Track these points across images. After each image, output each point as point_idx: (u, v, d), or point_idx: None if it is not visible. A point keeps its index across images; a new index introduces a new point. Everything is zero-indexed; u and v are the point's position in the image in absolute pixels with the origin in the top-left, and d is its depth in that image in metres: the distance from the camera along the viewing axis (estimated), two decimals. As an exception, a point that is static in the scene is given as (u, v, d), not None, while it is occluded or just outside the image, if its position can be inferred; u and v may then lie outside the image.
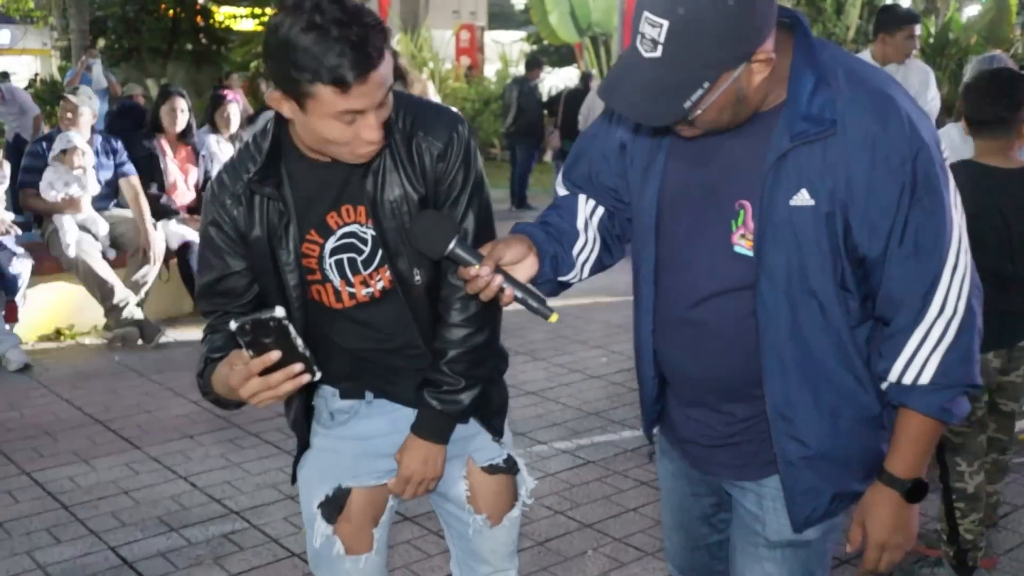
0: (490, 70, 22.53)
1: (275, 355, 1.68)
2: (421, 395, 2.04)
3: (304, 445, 2.20)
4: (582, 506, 3.94)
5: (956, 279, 1.69)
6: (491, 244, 1.83)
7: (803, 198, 1.66)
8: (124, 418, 4.92)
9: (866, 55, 5.56)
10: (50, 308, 6.30)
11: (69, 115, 6.19)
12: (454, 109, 2.08)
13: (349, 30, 1.67)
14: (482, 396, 2.09)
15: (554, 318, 1.80)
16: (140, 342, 6.11)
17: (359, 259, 2.00)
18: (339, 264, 2.00)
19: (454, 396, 2.03)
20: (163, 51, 19.96)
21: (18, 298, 5.82)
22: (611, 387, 5.39)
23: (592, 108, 10.48)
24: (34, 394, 5.31)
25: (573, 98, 11.96)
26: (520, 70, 15.92)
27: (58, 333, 6.34)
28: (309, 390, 2.15)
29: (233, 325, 1.65)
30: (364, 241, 1.99)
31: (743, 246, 1.73)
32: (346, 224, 1.99)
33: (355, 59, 1.68)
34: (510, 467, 2.22)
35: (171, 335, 6.29)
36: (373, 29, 1.71)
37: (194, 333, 6.32)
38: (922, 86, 5.59)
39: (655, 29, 1.52)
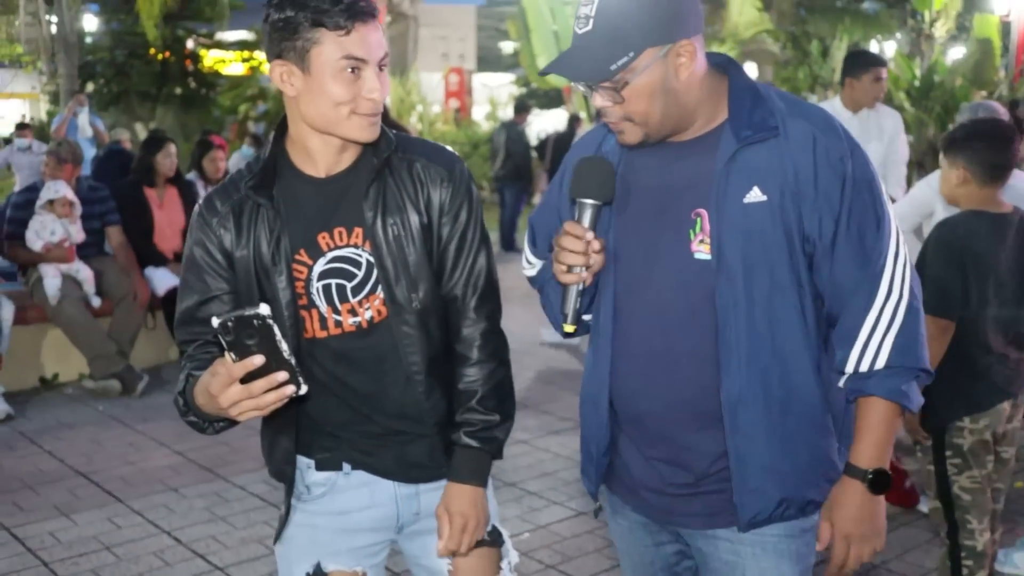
0: (479, 113, 22.66)
1: (258, 360, 1.58)
2: (457, 438, 1.99)
3: (291, 493, 2.08)
4: (574, 559, 3.87)
5: (899, 264, 1.80)
6: (591, 232, 1.85)
7: (756, 195, 1.76)
8: (107, 470, 4.84)
9: (835, 103, 5.55)
10: (34, 356, 6.23)
11: (53, 165, 6.15)
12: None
13: None
14: (510, 429, 2.05)
15: (570, 327, 1.86)
16: (121, 392, 6.03)
17: (349, 285, 1.94)
18: (327, 289, 1.94)
19: (491, 432, 2.00)
20: (152, 95, 19.98)
21: (1, 348, 5.75)
22: (602, 435, 5.32)
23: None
24: (16, 445, 5.22)
25: (562, 141, 12.04)
26: (509, 113, 15.99)
27: (42, 382, 6.26)
28: (296, 431, 2.03)
29: (216, 322, 1.57)
30: (357, 265, 1.94)
31: (703, 251, 1.80)
32: (337, 247, 1.94)
33: (350, 6, 1.77)
34: (495, 539, 2.12)
35: (156, 384, 6.22)
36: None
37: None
38: (895, 131, 5.56)
39: (587, 7, 1.73)
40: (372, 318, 1.96)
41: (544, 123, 20.96)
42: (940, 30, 20.69)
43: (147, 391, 6.07)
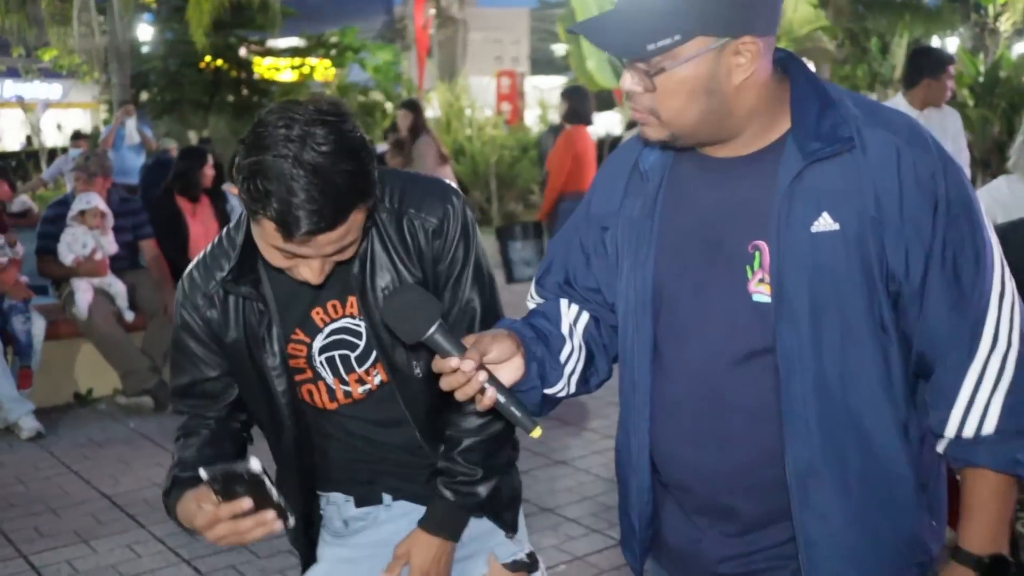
0: (531, 116, 22.44)
1: (247, 503, 1.54)
2: (434, 485, 1.82)
3: (307, 560, 1.96)
4: (612, 596, 3.62)
5: (1005, 306, 1.48)
6: (475, 336, 1.56)
7: (826, 223, 1.45)
8: (132, 492, 4.69)
9: (899, 101, 5.36)
10: (68, 372, 6.14)
11: (84, 178, 6.05)
12: (448, 181, 1.86)
13: (323, 181, 1.49)
14: (499, 486, 1.88)
15: (537, 432, 1.52)
16: (154, 408, 5.91)
17: (352, 356, 1.79)
18: (331, 361, 1.80)
19: (471, 488, 1.82)
20: (205, 104, 20.10)
21: (32, 364, 5.66)
22: (647, 455, 5.06)
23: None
24: (43, 465, 5.11)
25: (617, 145, 11.75)
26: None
27: (76, 398, 6.15)
28: (308, 500, 1.93)
29: (204, 475, 1.49)
30: (358, 335, 1.78)
31: (763, 292, 1.49)
32: (334, 320, 1.78)
33: (312, 219, 1.51)
34: (532, 564, 1.99)
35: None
36: (351, 183, 1.51)
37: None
38: (957, 130, 5.45)
39: None
40: (381, 382, 1.81)
41: (597, 126, 20.69)
42: (1005, 24, 20.04)
43: (180, 407, 5.94)
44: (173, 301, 6.34)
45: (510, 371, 1.57)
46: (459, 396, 1.52)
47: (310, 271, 1.62)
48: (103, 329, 5.85)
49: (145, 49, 21.39)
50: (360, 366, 1.80)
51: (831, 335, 1.47)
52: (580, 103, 7.31)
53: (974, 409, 1.47)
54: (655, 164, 1.62)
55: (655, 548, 1.74)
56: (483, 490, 1.83)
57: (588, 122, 7.39)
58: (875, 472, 1.51)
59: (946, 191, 1.44)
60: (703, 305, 1.55)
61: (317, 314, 1.79)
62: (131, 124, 11.09)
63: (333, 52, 22.60)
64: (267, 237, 1.58)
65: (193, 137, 18.08)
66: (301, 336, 1.80)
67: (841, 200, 1.45)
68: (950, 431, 1.49)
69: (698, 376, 1.57)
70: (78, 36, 17.27)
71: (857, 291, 1.45)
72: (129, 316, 6.05)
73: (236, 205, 6.93)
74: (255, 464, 1.51)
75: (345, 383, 1.81)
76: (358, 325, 1.78)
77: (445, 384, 1.52)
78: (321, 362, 1.80)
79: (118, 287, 6.01)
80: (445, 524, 1.83)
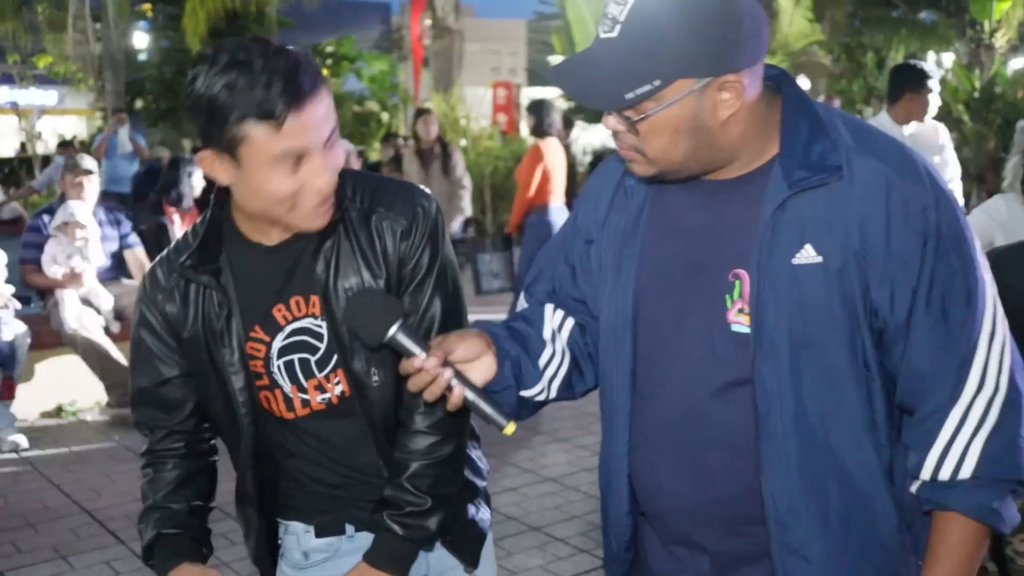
0: (525, 127, 22.40)
1: None
2: (380, 518, 1.72)
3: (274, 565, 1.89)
4: (598, 619, 3.55)
5: (995, 348, 1.41)
6: (440, 337, 1.53)
7: (808, 255, 1.40)
8: (113, 507, 4.61)
9: (883, 118, 5.38)
10: (52, 383, 6.06)
11: (81, 183, 5.98)
12: (423, 187, 1.80)
13: (276, 61, 1.50)
14: (453, 516, 1.77)
15: (510, 428, 1.50)
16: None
17: (312, 359, 1.71)
18: (289, 366, 1.71)
19: (419, 520, 1.71)
20: (199, 112, 20.08)
21: (16, 374, 5.58)
22: (637, 473, 5.00)
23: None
24: (24, 478, 5.03)
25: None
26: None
27: (59, 410, 6.08)
28: (270, 520, 1.85)
29: None
30: (319, 337, 1.70)
31: (742, 323, 1.43)
32: (296, 319, 1.70)
33: (285, 88, 1.49)
34: None
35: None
36: (303, 61, 1.53)
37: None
38: (948, 143, 5.45)
39: (619, 7, 1.36)
40: (343, 393, 1.72)
41: (590, 137, 20.67)
42: (1001, 40, 20.06)
43: (165, 420, 5.86)
44: None
45: (481, 370, 1.55)
46: (427, 397, 1.50)
47: (319, 173, 1.55)
48: (88, 340, 5.78)
49: (141, 57, 21.35)
50: (320, 371, 1.71)
51: (811, 371, 1.41)
52: (546, 116, 7.31)
53: (952, 451, 1.41)
54: (640, 182, 1.57)
55: (636, 572, 1.69)
56: (432, 523, 1.73)
57: (556, 134, 7.41)
58: (857, 513, 1.45)
59: (937, 225, 1.38)
60: (682, 331, 1.50)
61: (279, 311, 1.71)
62: (124, 133, 11.05)
63: (329, 61, 22.60)
64: (260, 152, 1.51)
65: (188, 145, 18.03)
66: (260, 334, 1.71)
67: (825, 232, 1.39)
68: (926, 473, 1.43)
69: (677, 404, 1.52)
70: (73, 43, 17.23)
71: (839, 327, 1.40)
72: (115, 327, 5.99)
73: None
74: None
75: (303, 390, 1.72)
76: (319, 326, 1.70)
77: (412, 385, 1.50)
78: (279, 367, 1.72)
79: (104, 298, 5.94)
80: (393, 559, 1.72)
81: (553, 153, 7.20)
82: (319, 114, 1.53)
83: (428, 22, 18.53)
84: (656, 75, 1.34)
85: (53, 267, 5.75)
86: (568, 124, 12.90)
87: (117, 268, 6.19)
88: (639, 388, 1.56)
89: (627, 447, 1.58)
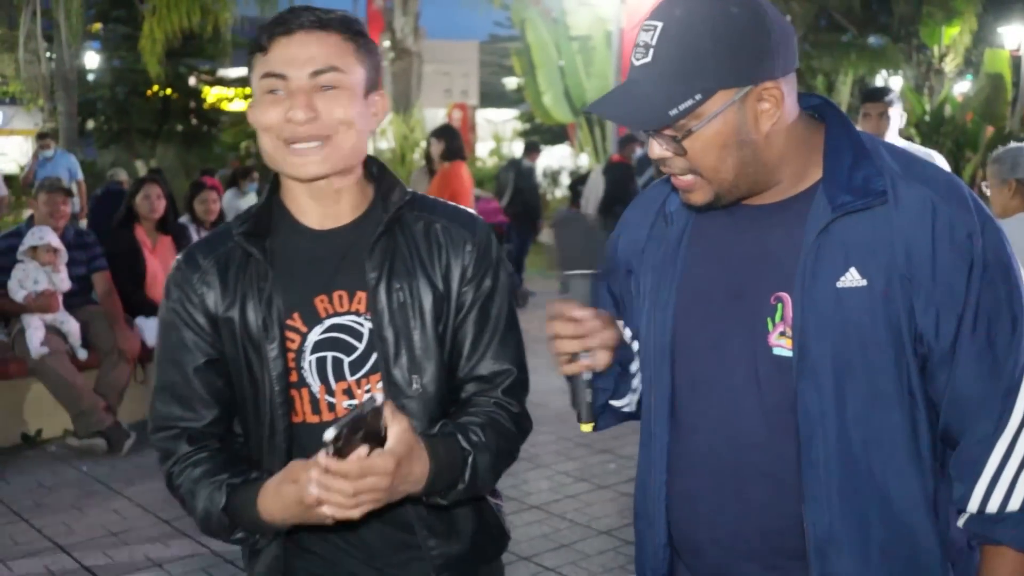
0: (483, 149, 22.43)
1: (363, 450, 1.39)
2: (445, 426, 1.61)
3: None
4: (597, 651, 3.49)
5: None
6: (603, 312, 1.52)
7: (853, 278, 1.39)
8: (87, 543, 4.45)
9: None
10: (17, 412, 5.87)
11: (53, 206, 5.83)
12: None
13: (289, 10, 1.59)
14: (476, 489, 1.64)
15: (588, 427, 1.52)
16: (108, 450, 5.66)
17: (346, 360, 1.63)
18: (320, 364, 1.63)
19: (480, 452, 1.60)
20: (153, 132, 19.80)
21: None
22: (621, 499, 4.95)
23: (594, 189, 10.27)
24: (-9, 513, 4.86)
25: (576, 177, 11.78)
26: (513, 148, 15.78)
27: (25, 439, 5.89)
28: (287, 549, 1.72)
29: (329, 435, 1.34)
30: (358, 336, 1.62)
31: (783, 347, 1.42)
32: (337, 313, 1.62)
33: (283, 17, 1.56)
34: None
35: (144, 442, 5.84)
36: (340, 12, 1.61)
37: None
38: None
39: (648, 33, 1.38)
40: None
41: (548, 159, 20.74)
42: (949, 64, 20.49)
43: (135, 449, 5.68)
44: (126, 339, 5.98)
45: (600, 360, 1.52)
46: (557, 347, 1.48)
47: (293, 102, 1.54)
48: (54, 368, 5.61)
49: (91, 77, 21.04)
50: (352, 374, 1.63)
51: (855, 396, 1.40)
52: (454, 141, 7.56)
53: (1000, 483, 1.40)
54: (681, 207, 1.56)
55: None
56: (483, 459, 1.60)
57: (463, 158, 7.69)
58: (899, 544, 1.43)
59: (983, 252, 1.38)
60: (722, 356, 1.49)
61: (321, 302, 1.63)
62: (59, 157, 10.76)
63: (285, 82, 22.44)
64: (254, 78, 1.59)
65: (141, 167, 17.75)
66: (297, 323, 1.63)
67: (870, 255, 1.39)
68: (973, 505, 1.42)
69: (717, 432, 1.49)
70: (23, 63, 16.90)
71: (883, 352, 1.39)
72: (82, 355, 5.82)
73: (194, 240, 6.75)
74: (379, 397, 1.39)
75: (331, 392, 1.63)
76: (361, 324, 1.62)
77: (552, 329, 1.48)
78: (310, 362, 1.62)
79: (71, 325, 5.78)
80: (439, 455, 1.54)
81: (459, 177, 7.39)
82: (310, 49, 1.55)
83: (387, 44, 18.48)
84: (696, 90, 1.36)
85: (20, 292, 5.58)
86: (534, 148, 12.93)
87: (84, 293, 6.02)
88: (678, 416, 1.54)
89: (665, 477, 1.55)
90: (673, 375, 1.53)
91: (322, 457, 1.37)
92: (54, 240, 5.70)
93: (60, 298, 5.74)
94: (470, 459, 1.59)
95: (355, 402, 1.63)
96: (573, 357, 1.48)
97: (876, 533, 1.42)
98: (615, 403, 1.64)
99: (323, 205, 1.65)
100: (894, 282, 1.37)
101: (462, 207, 1.76)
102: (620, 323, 1.60)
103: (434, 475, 1.52)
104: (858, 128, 1.49)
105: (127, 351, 5.89)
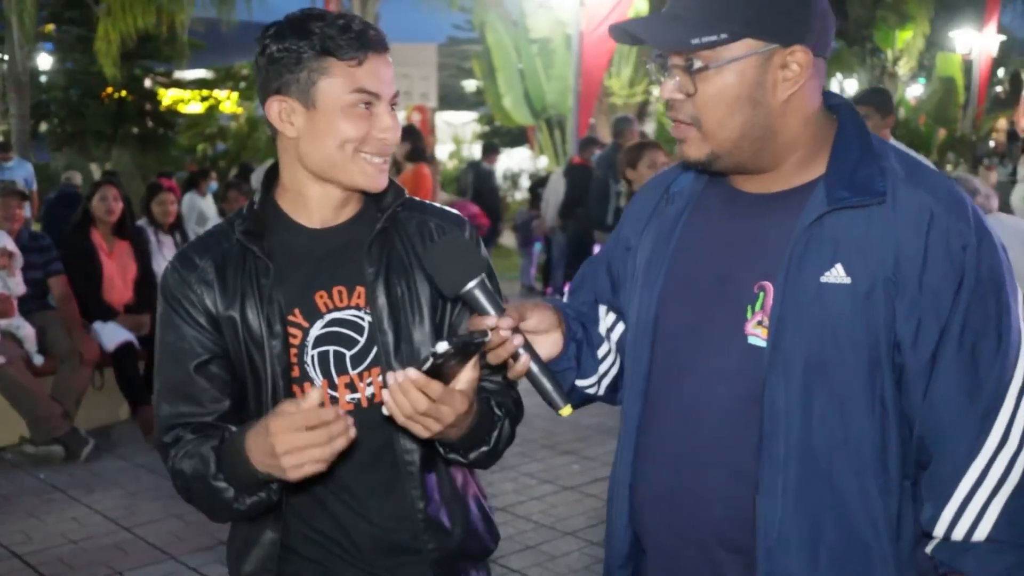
0: (442, 152, 22.37)
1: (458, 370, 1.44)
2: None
3: None
4: (564, 652, 3.49)
5: (1023, 404, 1.36)
6: (518, 302, 1.52)
7: (838, 275, 1.37)
8: (46, 550, 4.38)
9: None
10: (-30, 420, 5.76)
11: (16, 211, 5.72)
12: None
13: (347, 17, 1.62)
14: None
15: (567, 411, 1.49)
16: (65, 458, 5.57)
17: (348, 354, 1.65)
18: (323, 358, 1.65)
19: (506, 410, 1.69)
20: (108, 135, 19.51)
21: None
22: (586, 500, 4.96)
23: (554, 191, 10.27)
24: (-55, 522, 4.76)
25: (537, 179, 11.77)
26: (473, 152, 15.76)
27: (-21, 447, 5.78)
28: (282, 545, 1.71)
29: (442, 347, 1.34)
30: (359, 330, 1.66)
31: (759, 336, 1.40)
32: (337, 308, 1.65)
33: (361, 36, 1.59)
34: None
35: (103, 448, 5.76)
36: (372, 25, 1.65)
37: (130, 445, 5.83)
38: None
39: None
40: (373, 396, 1.65)
41: (508, 162, 20.74)
42: (903, 68, 20.79)
43: (93, 456, 5.60)
44: (83, 343, 5.86)
45: (547, 345, 1.55)
46: (492, 359, 1.47)
47: (387, 118, 1.61)
48: (9, 374, 5.50)
49: (44, 79, 20.69)
50: (354, 367, 1.66)
51: (823, 394, 1.38)
52: (419, 142, 7.68)
53: (969, 509, 1.36)
54: (684, 188, 1.59)
55: None
56: (508, 424, 1.70)
57: (426, 160, 7.85)
58: (850, 553, 1.40)
59: (976, 267, 1.36)
60: (699, 341, 1.48)
61: (320, 298, 1.67)
62: (12, 166, 10.65)
63: (243, 84, 22.22)
64: (338, 88, 1.58)
65: (96, 170, 17.50)
66: (299, 319, 1.65)
67: (858, 254, 1.37)
68: (939, 530, 1.38)
69: (684, 416, 1.49)
70: (-27, 65, 16.62)
71: (858, 354, 1.37)
72: (38, 360, 5.72)
73: (157, 243, 6.65)
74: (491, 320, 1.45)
75: (333, 387, 1.65)
76: (361, 318, 1.66)
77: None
78: (312, 357, 1.65)
79: (26, 330, 5.68)
80: (483, 413, 1.60)
81: (423, 178, 7.50)
82: (388, 70, 1.63)
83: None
84: (724, 29, 1.37)
85: (-27, 298, 5.47)
86: (493, 150, 12.93)
87: (40, 297, 5.92)
88: (651, 396, 1.54)
89: (631, 457, 1.55)
90: (652, 355, 1.53)
91: (412, 371, 1.37)
92: (9, 244, 5.60)
93: (15, 303, 5.64)
94: (500, 424, 1.67)
95: (357, 396, 1.66)
96: (515, 356, 1.47)
97: (827, 537, 1.39)
98: (581, 383, 1.65)
99: (330, 208, 1.69)
100: (878, 284, 1.36)
101: (448, 208, 1.83)
102: (559, 298, 1.63)
103: (473, 429, 1.57)
104: None
105: (86, 356, 5.80)
